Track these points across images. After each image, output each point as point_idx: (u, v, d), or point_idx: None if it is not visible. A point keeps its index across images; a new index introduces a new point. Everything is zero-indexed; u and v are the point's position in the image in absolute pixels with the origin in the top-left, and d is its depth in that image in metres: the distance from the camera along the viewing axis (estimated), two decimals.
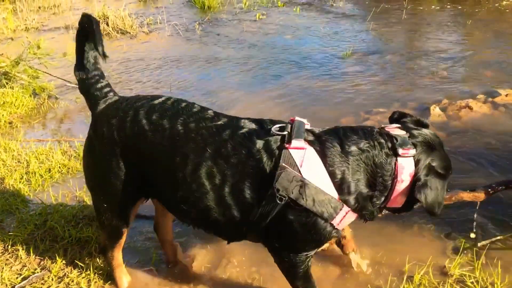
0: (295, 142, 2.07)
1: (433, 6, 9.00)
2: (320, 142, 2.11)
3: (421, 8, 8.84)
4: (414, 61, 6.41)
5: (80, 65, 2.44)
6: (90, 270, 2.84)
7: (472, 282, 2.62)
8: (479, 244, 2.91)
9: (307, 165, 2.05)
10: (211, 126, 2.19)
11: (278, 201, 2.04)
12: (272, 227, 2.13)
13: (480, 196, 2.84)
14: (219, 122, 2.21)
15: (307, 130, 2.17)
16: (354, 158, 2.08)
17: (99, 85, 2.45)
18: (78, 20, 2.39)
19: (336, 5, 9.43)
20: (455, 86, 5.42)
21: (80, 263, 2.89)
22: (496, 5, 8.26)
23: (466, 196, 2.83)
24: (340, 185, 2.07)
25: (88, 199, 3.59)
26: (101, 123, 2.36)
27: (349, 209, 2.10)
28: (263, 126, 2.19)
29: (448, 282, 2.64)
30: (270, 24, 8.77)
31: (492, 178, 3.51)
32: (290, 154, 2.06)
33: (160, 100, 2.33)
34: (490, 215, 3.17)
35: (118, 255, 2.67)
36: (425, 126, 2.27)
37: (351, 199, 2.09)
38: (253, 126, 2.19)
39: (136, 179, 2.35)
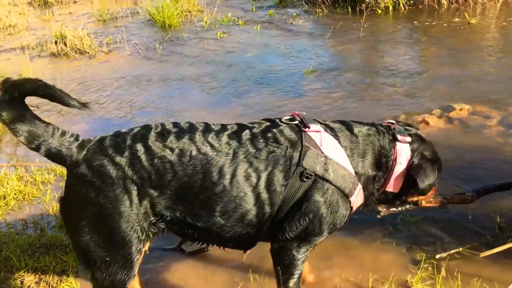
0: (312, 126, 2.34)
1: (389, 23, 9.27)
2: (330, 128, 2.39)
3: (378, 25, 9.09)
4: (372, 77, 6.57)
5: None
6: None
7: None
8: (437, 256, 2.97)
9: (326, 144, 2.30)
10: (229, 134, 2.28)
11: (304, 180, 2.23)
12: (293, 211, 2.27)
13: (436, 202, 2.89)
14: (233, 129, 2.32)
15: (315, 120, 2.42)
16: (362, 139, 2.38)
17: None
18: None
19: (295, 23, 9.57)
20: (412, 102, 5.57)
21: None
22: (449, 22, 8.58)
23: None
24: (353, 162, 2.33)
25: (46, 226, 3.47)
26: (99, 166, 2.16)
27: (361, 186, 2.35)
28: (273, 120, 2.41)
29: None
30: (231, 42, 8.81)
31: (449, 189, 3.62)
32: (310, 136, 2.30)
33: (157, 126, 2.28)
34: (447, 229, 3.24)
35: None
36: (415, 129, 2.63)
37: (362, 177, 2.36)
38: (264, 122, 2.39)
39: (150, 216, 2.23)
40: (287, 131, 2.32)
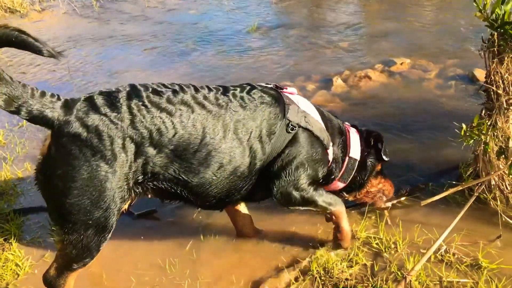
0: (288, 89, 2.63)
1: None
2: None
3: None
4: (316, 34, 6.58)
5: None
6: None
7: (377, 243, 2.79)
8: (383, 206, 3.07)
9: (302, 103, 2.59)
10: (219, 93, 2.41)
11: (290, 131, 2.47)
12: (283, 160, 2.47)
13: None
14: (218, 91, 2.44)
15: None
16: (324, 111, 2.75)
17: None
18: None
19: None
20: (355, 57, 5.65)
21: None
22: None
23: None
24: (324, 124, 2.64)
25: None
26: (96, 124, 2.10)
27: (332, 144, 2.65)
28: (250, 84, 2.58)
29: (355, 245, 2.78)
30: None
31: (390, 143, 3.74)
32: (287, 96, 2.56)
33: (146, 87, 2.28)
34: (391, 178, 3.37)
35: (71, 282, 2.35)
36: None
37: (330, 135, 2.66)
38: (244, 85, 2.55)
39: (139, 175, 2.23)
40: (269, 90, 2.55)
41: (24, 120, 3.86)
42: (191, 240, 2.92)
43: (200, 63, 5.79)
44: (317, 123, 2.57)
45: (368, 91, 4.73)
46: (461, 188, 2.91)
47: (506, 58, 2.71)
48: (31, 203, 3.37)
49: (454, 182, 3.11)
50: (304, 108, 2.56)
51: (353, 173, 2.77)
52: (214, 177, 2.37)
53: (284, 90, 2.60)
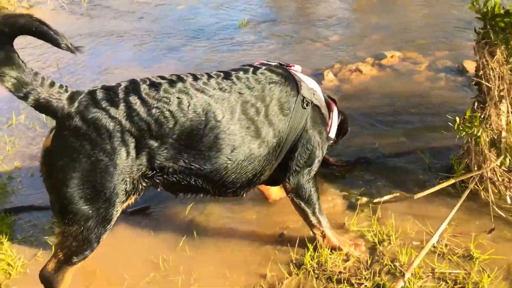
0: (293, 67, 2.63)
1: None
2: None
3: None
4: (306, 28, 6.57)
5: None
6: None
7: (371, 236, 2.80)
8: (375, 201, 3.09)
9: (308, 80, 2.60)
10: (221, 78, 2.39)
11: (305, 107, 2.48)
12: (299, 142, 2.50)
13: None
14: (219, 77, 2.41)
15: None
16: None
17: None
18: None
19: None
20: (346, 51, 5.64)
21: None
22: None
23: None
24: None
25: None
26: (94, 119, 2.13)
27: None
28: (252, 65, 2.60)
29: (349, 237, 2.79)
30: None
31: (381, 135, 3.77)
32: (295, 73, 2.57)
33: (144, 80, 2.29)
34: (380, 172, 3.39)
35: (69, 278, 2.36)
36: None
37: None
38: (247, 67, 2.55)
39: (147, 169, 2.27)
40: (275, 69, 2.53)
41: (14, 118, 3.84)
42: (185, 237, 2.91)
43: (191, 58, 5.76)
44: (322, 101, 2.64)
45: (359, 84, 4.73)
46: (454, 181, 2.93)
47: (497, 50, 2.72)
48: (22, 202, 3.35)
49: (445, 174, 3.13)
50: (311, 86, 2.59)
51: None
52: (229, 161, 2.36)
53: (292, 67, 2.62)
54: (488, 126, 2.84)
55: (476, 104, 2.95)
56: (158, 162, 2.26)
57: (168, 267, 2.72)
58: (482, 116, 2.85)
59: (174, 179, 2.36)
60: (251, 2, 7.83)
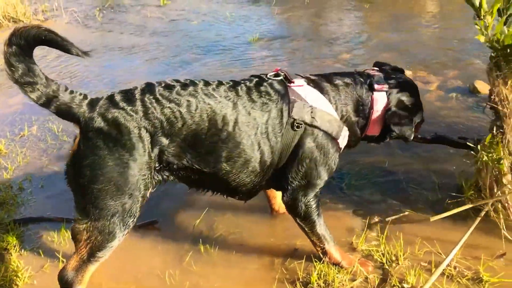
0: (296, 81, 2.60)
1: None
2: (311, 81, 2.63)
3: None
4: (317, 45, 6.60)
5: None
6: None
7: (379, 255, 2.78)
8: (387, 219, 3.05)
9: (310, 96, 2.54)
10: (228, 87, 2.47)
11: (296, 129, 2.46)
12: (292, 160, 2.51)
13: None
14: (229, 84, 2.51)
15: (296, 74, 2.68)
16: (342, 88, 2.62)
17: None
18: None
19: None
20: (357, 69, 5.64)
21: None
22: None
23: None
24: (336, 109, 2.59)
25: None
26: (114, 118, 2.28)
27: (347, 129, 2.60)
28: (260, 77, 2.61)
29: (356, 257, 2.77)
30: (175, 9, 8.58)
31: (391, 155, 3.74)
32: (295, 90, 2.54)
33: (160, 83, 2.43)
34: (390, 191, 3.37)
35: (87, 279, 2.43)
36: (401, 71, 2.87)
37: (345, 121, 2.61)
38: (253, 78, 2.59)
39: (157, 163, 2.39)
40: (276, 85, 2.55)
41: (26, 130, 3.90)
42: (191, 252, 2.91)
43: (202, 73, 5.81)
44: (325, 116, 2.52)
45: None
46: (472, 206, 2.86)
47: (509, 78, 2.70)
48: (31, 213, 3.38)
49: (456, 194, 3.10)
50: (312, 101, 2.53)
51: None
52: (227, 168, 2.45)
53: (292, 84, 2.58)
54: (509, 150, 2.78)
55: (495, 128, 2.88)
56: (165, 157, 2.39)
57: (174, 282, 2.72)
58: (505, 142, 2.79)
59: (179, 174, 2.50)
60: (263, 19, 7.91)
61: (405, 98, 2.68)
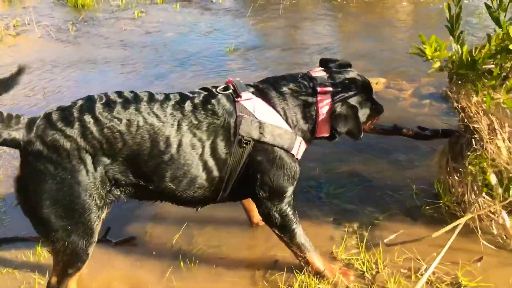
0: (243, 95, 2.50)
1: (307, 1, 9.41)
2: (260, 91, 2.57)
3: (297, 2, 9.20)
4: (292, 54, 6.65)
5: None
6: None
7: (359, 264, 2.79)
8: (385, 240, 2.96)
9: (258, 110, 2.47)
10: (173, 104, 2.40)
11: (244, 145, 2.41)
12: (248, 176, 2.49)
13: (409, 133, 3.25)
14: (176, 99, 2.44)
15: (246, 85, 2.61)
16: (288, 97, 2.56)
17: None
18: None
19: (215, 1, 9.46)
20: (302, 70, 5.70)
21: None
22: None
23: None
24: (287, 120, 2.53)
25: None
26: (52, 140, 2.22)
27: (300, 138, 2.55)
28: (210, 90, 2.56)
29: (337, 266, 2.77)
30: (150, 22, 8.54)
31: (366, 163, 3.78)
32: (243, 105, 2.47)
33: (101, 97, 2.35)
34: (369, 199, 3.40)
35: (74, 285, 2.54)
36: (349, 65, 2.84)
37: (297, 130, 2.56)
38: (202, 92, 2.54)
39: (107, 182, 2.35)
40: (224, 101, 2.48)
41: None
42: (171, 268, 2.87)
43: (179, 85, 5.77)
44: (275, 130, 2.46)
45: None
46: (467, 218, 2.82)
47: (472, 94, 2.74)
48: (5, 233, 3.29)
49: (432, 201, 3.14)
50: (260, 115, 2.46)
51: None
52: (172, 186, 2.43)
53: (239, 98, 2.49)
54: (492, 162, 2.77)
55: (474, 142, 2.83)
56: (111, 175, 2.34)
57: None
58: (482, 153, 2.79)
59: (130, 191, 2.47)
60: (238, 29, 7.93)
61: (349, 96, 2.63)
